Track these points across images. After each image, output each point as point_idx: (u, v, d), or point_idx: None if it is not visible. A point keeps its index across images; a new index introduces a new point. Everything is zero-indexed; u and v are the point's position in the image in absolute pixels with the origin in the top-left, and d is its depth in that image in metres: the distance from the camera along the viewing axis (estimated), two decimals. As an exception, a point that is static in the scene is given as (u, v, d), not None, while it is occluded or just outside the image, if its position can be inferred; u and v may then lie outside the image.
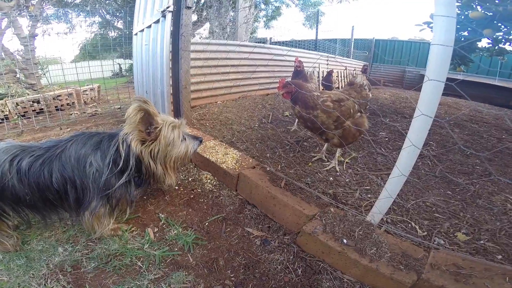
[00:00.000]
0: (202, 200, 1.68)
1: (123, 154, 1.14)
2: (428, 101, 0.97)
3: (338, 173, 1.83)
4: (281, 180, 1.66)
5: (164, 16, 2.33)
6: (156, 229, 1.41)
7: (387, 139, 2.58)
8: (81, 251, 1.24)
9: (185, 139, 1.29)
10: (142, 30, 2.91)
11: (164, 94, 2.47)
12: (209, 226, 1.46)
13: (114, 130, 1.27)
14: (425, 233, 1.32)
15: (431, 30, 4.17)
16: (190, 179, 1.90)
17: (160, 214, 1.52)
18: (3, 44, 4.85)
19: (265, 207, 1.57)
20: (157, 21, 2.47)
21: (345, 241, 1.19)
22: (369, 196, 1.58)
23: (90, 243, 1.29)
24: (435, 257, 1.11)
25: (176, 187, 1.78)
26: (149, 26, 2.66)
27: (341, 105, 1.76)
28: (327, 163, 1.97)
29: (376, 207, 1.27)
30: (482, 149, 2.49)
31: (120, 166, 1.14)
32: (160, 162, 1.22)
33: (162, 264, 1.20)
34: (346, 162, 1.99)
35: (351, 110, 1.80)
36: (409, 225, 1.37)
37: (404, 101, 4.96)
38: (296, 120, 2.76)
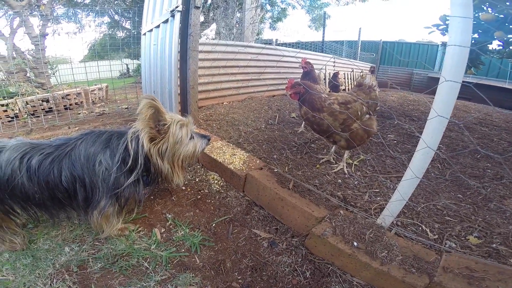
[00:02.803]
0: (209, 200, 1.67)
1: (132, 153, 1.13)
2: (443, 102, 0.95)
3: (346, 175, 1.81)
4: (289, 181, 1.64)
5: (173, 15, 2.34)
6: (163, 230, 1.41)
7: (395, 141, 2.54)
8: (87, 251, 1.23)
9: (193, 138, 1.28)
10: (151, 30, 2.92)
11: (172, 93, 2.48)
12: (216, 227, 1.45)
13: (123, 128, 1.27)
14: (436, 236, 1.29)
15: (441, 33, 4.12)
16: (197, 180, 1.89)
17: (167, 215, 1.51)
18: (14, 43, 4.93)
19: (272, 209, 1.55)
20: (166, 21, 2.48)
21: (355, 243, 1.17)
22: (378, 198, 1.55)
23: (97, 243, 1.28)
24: (447, 260, 1.09)
25: (183, 188, 1.78)
26: (158, 26, 2.66)
27: (348, 108, 1.74)
28: (335, 165, 1.94)
29: (387, 210, 1.24)
30: (493, 153, 2.44)
31: (129, 164, 1.14)
32: (168, 161, 1.21)
33: (169, 265, 1.19)
34: (355, 165, 1.96)
35: (359, 113, 1.77)
36: (420, 228, 1.34)
37: (412, 104, 4.90)
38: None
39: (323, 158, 2.03)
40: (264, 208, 1.60)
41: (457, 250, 1.19)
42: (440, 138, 1.01)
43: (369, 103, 1.85)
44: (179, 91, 2.55)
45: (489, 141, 2.78)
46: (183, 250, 1.28)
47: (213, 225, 1.47)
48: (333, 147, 2.05)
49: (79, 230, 1.35)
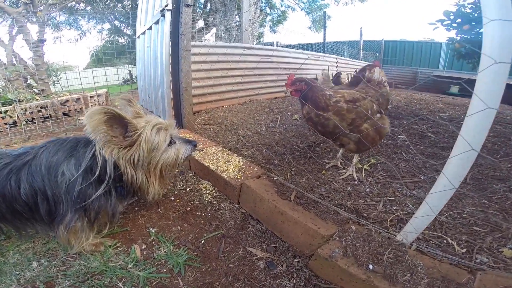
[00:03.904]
0: (199, 213, 1.48)
1: (100, 161, 0.96)
2: (489, 90, 0.76)
3: (356, 182, 1.60)
4: (291, 192, 1.44)
5: (163, 15, 2.22)
6: (144, 246, 1.23)
7: (407, 142, 2.33)
8: (57, 267, 1.09)
9: (174, 143, 1.11)
10: (144, 33, 2.81)
11: (165, 96, 2.33)
12: (206, 245, 1.26)
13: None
14: (465, 249, 1.10)
15: (446, 28, 3.90)
16: (187, 189, 1.70)
17: (151, 229, 1.33)
18: (14, 50, 4.90)
19: (271, 224, 1.35)
20: (157, 22, 2.36)
21: (371, 266, 0.97)
22: (394, 208, 1.35)
23: (69, 258, 1.14)
24: (483, 280, 0.91)
25: (172, 198, 1.60)
26: (150, 28, 2.56)
27: (357, 106, 1.55)
28: (343, 170, 1.74)
29: (411, 225, 1.03)
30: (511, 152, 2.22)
31: (96, 174, 0.97)
32: (142, 170, 1.03)
33: (147, 287, 1.02)
34: (365, 169, 1.76)
35: (369, 111, 1.58)
36: (445, 241, 1.14)
37: (419, 103, 4.68)
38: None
39: (329, 163, 1.83)
40: (261, 223, 1.40)
41: (489, 266, 1.01)
42: (486, 135, 0.82)
43: (379, 100, 1.65)
44: (171, 94, 2.39)
45: (507, 140, 2.55)
46: (164, 271, 1.10)
47: (202, 241, 1.27)
48: (341, 151, 1.85)
49: (52, 243, 1.21)
